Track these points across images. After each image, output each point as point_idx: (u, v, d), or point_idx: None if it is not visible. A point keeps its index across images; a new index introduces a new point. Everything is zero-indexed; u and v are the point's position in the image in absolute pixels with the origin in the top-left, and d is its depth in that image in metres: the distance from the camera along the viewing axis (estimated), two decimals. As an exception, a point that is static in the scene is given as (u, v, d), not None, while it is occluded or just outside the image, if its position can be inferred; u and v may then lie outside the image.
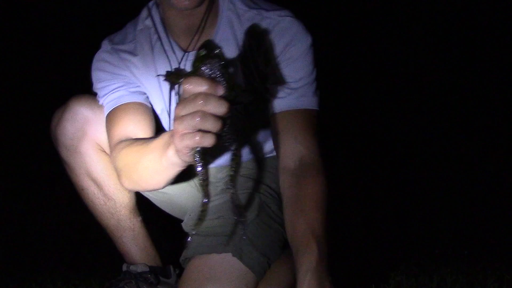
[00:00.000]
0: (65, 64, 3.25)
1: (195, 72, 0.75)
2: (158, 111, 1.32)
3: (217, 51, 0.74)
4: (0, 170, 3.07)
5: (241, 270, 1.09)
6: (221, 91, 0.73)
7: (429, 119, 3.60)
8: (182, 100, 0.75)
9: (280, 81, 1.19)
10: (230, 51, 1.20)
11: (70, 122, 1.32)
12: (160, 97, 1.30)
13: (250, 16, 1.21)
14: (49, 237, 2.51)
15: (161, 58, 1.27)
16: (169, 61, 1.25)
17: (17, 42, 3.38)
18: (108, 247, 1.48)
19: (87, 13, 3.29)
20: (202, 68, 0.74)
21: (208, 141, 0.73)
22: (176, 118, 0.75)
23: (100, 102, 1.28)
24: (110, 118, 1.23)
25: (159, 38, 1.26)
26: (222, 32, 1.22)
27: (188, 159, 0.81)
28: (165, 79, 0.87)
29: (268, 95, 1.20)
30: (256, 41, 1.20)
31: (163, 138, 0.96)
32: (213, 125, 0.73)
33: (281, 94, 1.18)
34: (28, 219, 2.74)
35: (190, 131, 0.73)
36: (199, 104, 0.71)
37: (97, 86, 1.28)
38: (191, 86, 0.73)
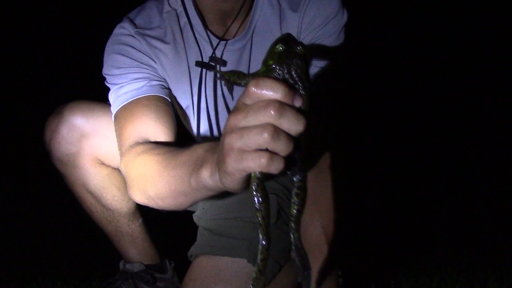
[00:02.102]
0: (64, 63, 3.25)
1: (267, 73, 0.58)
2: (182, 106, 1.21)
3: (299, 48, 0.57)
4: (1, 170, 3.07)
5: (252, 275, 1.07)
6: (299, 102, 0.55)
7: (430, 119, 3.59)
8: (241, 106, 0.57)
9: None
10: (270, 36, 1.12)
11: (65, 138, 1.22)
12: (188, 91, 1.17)
13: None
14: (49, 237, 2.50)
15: (192, 45, 1.15)
16: (200, 50, 1.14)
17: (16, 41, 3.37)
18: (108, 247, 1.47)
19: (83, 11, 3.28)
20: (277, 69, 0.57)
21: (276, 167, 0.55)
22: (230, 130, 0.57)
23: (111, 91, 1.13)
24: (125, 113, 1.06)
25: (190, 22, 1.13)
26: (259, 16, 1.14)
27: (237, 186, 0.62)
28: (222, 78, 0.66)
29: None
30: (295, 19, 1.12)
31: (195, 151, 0.79)
32: (285, 147, 0.54)
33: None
34: (28, 219, 2.74)
35: (252, 149, 0.55)
36: (270, 115, 0.53)
37: (112, 72, 1.12)
38: (262, 90, 0.54)
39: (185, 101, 1.20)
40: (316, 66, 1.10)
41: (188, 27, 1.15)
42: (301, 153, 0.59)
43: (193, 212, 1.35)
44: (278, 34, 1.12)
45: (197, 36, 1.15)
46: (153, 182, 0.89)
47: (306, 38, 1.12)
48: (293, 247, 0.62)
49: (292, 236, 0.62)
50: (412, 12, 3.57)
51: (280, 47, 0.57)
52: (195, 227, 1.30)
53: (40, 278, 1.72)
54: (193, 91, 1.17)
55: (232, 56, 1.17)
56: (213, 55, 1.14)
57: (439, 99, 3.65)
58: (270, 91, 0.54)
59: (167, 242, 1.49)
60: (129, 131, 1.03)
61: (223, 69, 1.17)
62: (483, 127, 3.53)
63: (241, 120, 0.56)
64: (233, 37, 1.16)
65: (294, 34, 1.12)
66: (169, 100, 1.13)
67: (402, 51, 3.58)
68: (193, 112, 1.20)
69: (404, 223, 2.52)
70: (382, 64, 3.50)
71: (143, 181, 0.92)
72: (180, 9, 1.16)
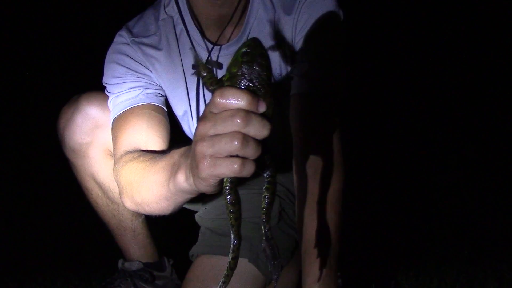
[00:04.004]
0: (64, 62, 3.25)
1: (231, 80, 0.60)
2: (179, 113, 1.23)
3: (262, 54, 0.60)
4: (1, 170, 3.07)
5: (253, 275, 1.08)
6: (262, 107, 0.58)
7: (430, 119, 3.59)
8: (209, 115, 0.59)
9: (306, 59, 1.09)
10: (265, 39, 1.11)
11: (80, 127, 1.23)
12: (184, 97, 1.19)
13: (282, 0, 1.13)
14: (49, 237, 2.50)
15: (187, 51, 1.16)
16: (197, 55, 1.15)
17: (17, 40, 3.37)
18: (108, 248, 1.47)
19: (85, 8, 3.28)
20: (240, 76, 0.59)
21: (248, 171, 0.58)
22: (201, 138, 0.59)
23: (110, 100, 1.16)
24: (120, 122, 1.10)
25: (186, 28, 1.15)
26: (254, 20, 1.14)
27: (211, 189, 0.66)
28: (195, 66, 0.68)
29: (292, 75, 1.11)
30: (289, 23, 1.12)
31: (172, 157, 0.82)
32: (254, 151, 0.57)
33: (304, 73, 1.08)
34: (29, 219, 2.74)
35: (224, 156, 0.58)
36: (237, 124, 0.56)
37: (110, 82, 1.16)
38: (227, 100, 0.57)
39: (182, 106, 1.21)
40: (312, 67, 1.10)
41: (184, 33, 1.16)
42: (269, 153, 0.62)
43: (195, 211, 1.35)
44: (272, 38, 1.13)
45: (193, 42, 1.16)
46: (138, 188, 0.93)
47: (301, 40, 1.12)
48: (264, 238, 0.66)
49: (262, 227, 0.65)
50: (410, 10, 3.57)
51: (243, 54, 0.60)
52: (194, 226, 1.30)
53: (40, 278, 1.72)
54: (190, 96, 1.19)
55: (227, 60, 1.17)
56: (209, 58, 1.14)
57: (439, 99, 3.65)
58: (234, 101, 0.57)
59: (166, 240, 1.49)
60: (122, 140, 1.07)
61: (218, 71, 1.17)
62: (483, 127, 3.53)
63: (210, 129, 0.58)
64: (228, 41, 1.16)
65: (289, 37, 1.13)
66: (164, 107, 1.16)
67: (402, 50, 3.58)
68: (191, 117, 1.21)
69: (404, 223, 2.52)
70: (381, 64, 3.50)
71: (130, 188, 0.96)
72: (176, 16, 1.17)
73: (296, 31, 1.13)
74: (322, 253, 0.97)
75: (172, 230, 1.62)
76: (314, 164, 1.03)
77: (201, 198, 1.30)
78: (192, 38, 1.16)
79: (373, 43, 3.45)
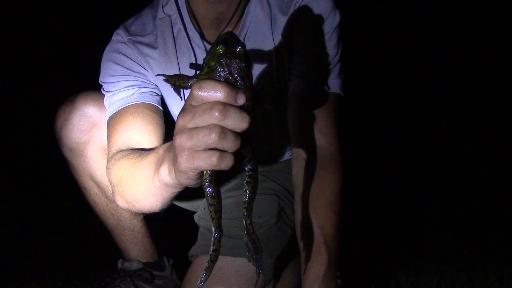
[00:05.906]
0: (61, 61, 3.25)
1: (209, 74, 0.60)
2: (175, 112, 1.23)
3: (239, 49, 0.59)
4: (1, 170, 3.07)
5: (253, 275, 1.07)
6: (241, 100, 0.57)
7: (430, 119, 3.59)
8: (188, 108, 0.59)
9: (303, 60, 1.09)
10: (262, 40, 1.13)
11: (77, 126, 1.24)
12: (181, 96, 1.19)
13: (279, 0, 1.13)
14: (50, 237, 2.50)
15: (184, 50, 1.17)
16: (195, 55, 1.15)
17: (14, 39, 3.37)
18: (108, 248, 1.47)
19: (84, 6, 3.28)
20: (219, 69, 0.59)
21: (226, 164, 0.58)
22: (180, 131, 0.60)
23: (105, 98, 1.16)
24: (114, 121, 1.11)
25: (184, 28, 1.15)
26: (251, 20, 1.14)
27: (191, 182, 0.66)
28: (167, 81, 0.69)
29: (290, 76, 1.12)
30: (286, 23, 1.12)
31: (158, 152, 0.83)
32: (233, 144, 0.57)
33: (302, 74, 1.08)
34: (29, 219, 2.74)
35: (202, 149, 0.59)
36: (215, 117, 0.56)
37: (106, 80, 1.16)
38: (205, 93, 0.57)
39: (178, 106, 1.21)
40: (310, 67, 1.10)
41: (182, 33, 1.16)
42: (250, 146, 0.62)
43: (194, 212, 1.36)
44: (269, 38, 1.14)
45: (190, 41, 1.16)
46: (127, 185, 0.93)
47: (299, 40, 1.12)
48: (245, 232, 0.65)
49: (244, 222, 0.65)
50: (409, 11, 3.57)
51: (220, 48, 0.59)
52: (194, 226, 1.30)
53: (40, 278, 1.72)
54: (185, 95, 1.19)
55: None
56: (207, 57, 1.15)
57: (439, 99, 3.65)
58: (212, 93, 0.57)
59: (166, 240, 1.50)
60: (115, 139, 1.07)
61: None
62: (483, 127, 3.53)
63: (189, 122, 0.58)
64: None
65: (286, 37, 1.13)
66: (159, 106, 1.16)
67: (401, 50, 3.58)
68: None
69: (405, 223, 2.52)
70: (381, 64, 3.50)
71: (120, 185, 0.96)
72: (174, 15, 1.17)
73: (293, 31, 1.13)
74: (321, 252, 0.97)
75: (172, 230, 1.62)
76: (312, 164, 1.03)
77: (199, 198, 1.31)
78: (190, 38, 1.16)
79: (371, 43, 3.45)
